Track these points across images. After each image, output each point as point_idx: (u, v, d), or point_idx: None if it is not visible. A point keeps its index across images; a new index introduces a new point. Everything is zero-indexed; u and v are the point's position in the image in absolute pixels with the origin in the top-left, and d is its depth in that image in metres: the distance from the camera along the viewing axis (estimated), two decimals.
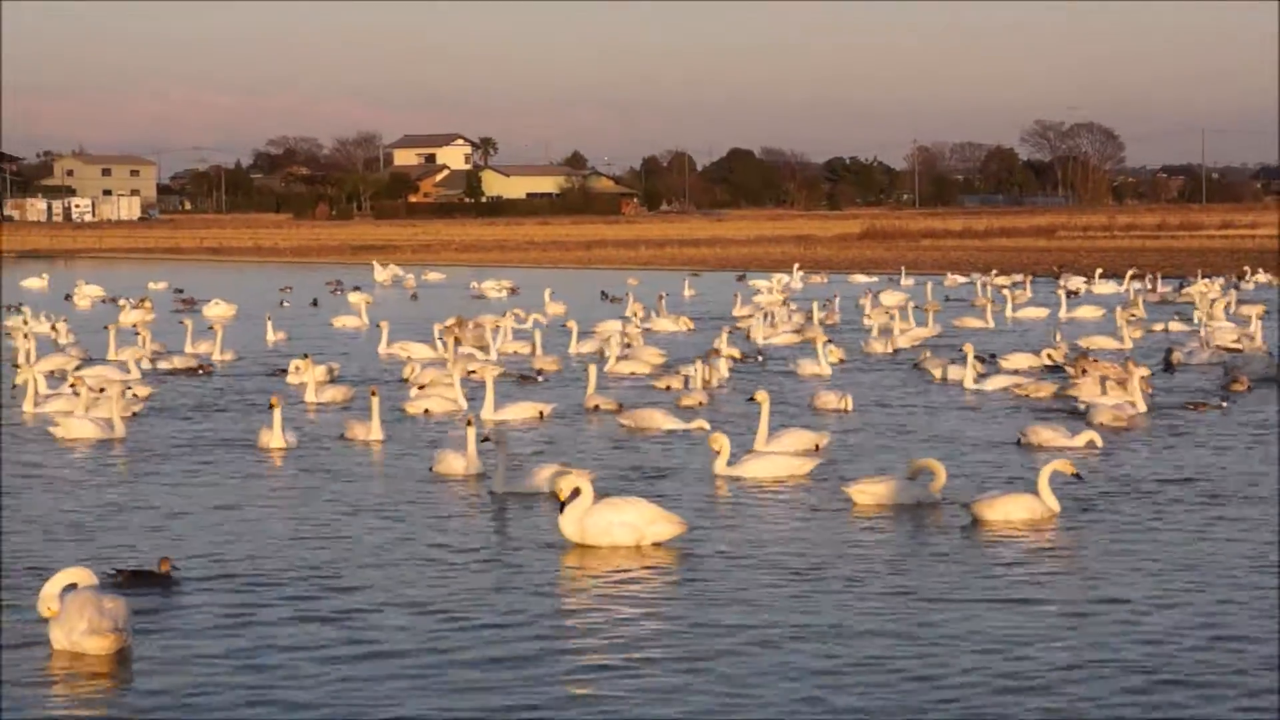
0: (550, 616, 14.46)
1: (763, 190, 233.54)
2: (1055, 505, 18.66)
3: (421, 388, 30.24)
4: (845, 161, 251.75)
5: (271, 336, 43.34)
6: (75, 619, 12.93)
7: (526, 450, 24.00)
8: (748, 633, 13.77)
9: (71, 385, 29.03)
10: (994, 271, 70.24)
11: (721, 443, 21.50)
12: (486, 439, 21.71)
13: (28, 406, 28.51)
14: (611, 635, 13.84)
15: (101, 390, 28.50)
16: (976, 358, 33.09)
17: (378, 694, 12.23)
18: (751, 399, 24.51)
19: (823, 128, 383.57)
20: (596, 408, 28.93)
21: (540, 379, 33.87)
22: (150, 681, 12.51)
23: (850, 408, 28.38)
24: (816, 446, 23.49)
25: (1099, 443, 23.67)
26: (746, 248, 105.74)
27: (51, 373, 33.51)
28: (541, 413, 27.71)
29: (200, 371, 35.49)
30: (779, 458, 21.99)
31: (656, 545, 17.11)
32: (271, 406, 24.46)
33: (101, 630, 12.88)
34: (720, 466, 21.54)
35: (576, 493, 17.17)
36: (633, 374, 34.43)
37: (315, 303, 60.87)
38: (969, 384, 31.36)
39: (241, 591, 15.33)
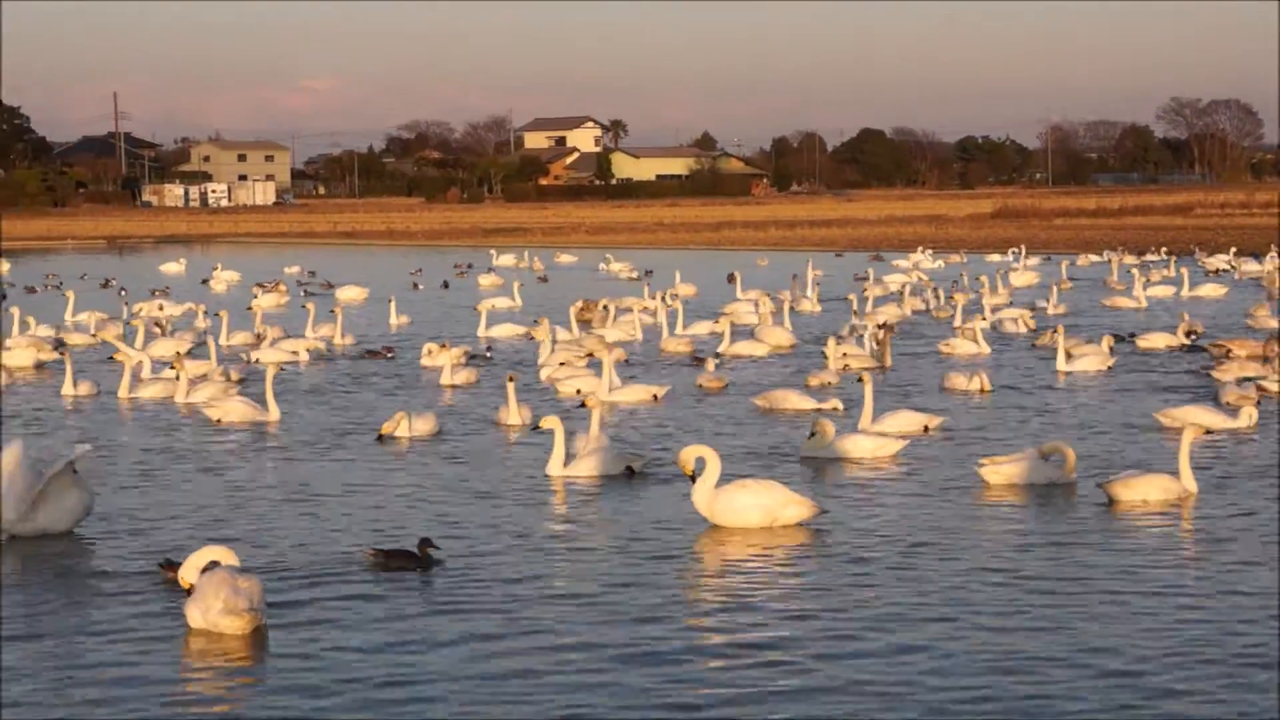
0: (688, 608, 14.30)
1: (894, 170, 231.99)
2: (1193, 486, 18.40)
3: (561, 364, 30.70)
4: (977, 140, 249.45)
5: (395, 320, 43.72)
6: (211, 598, 13.07)
7: (659, 431, 24.09)
8: (890, 623, 13.50)
9: (173, 367, 29.50)
10: (1120, 249, 69.41)
11: (825, 427, 21.39)
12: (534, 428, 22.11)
13: (122, 392, 28.79)
14: (746, 626, 13.72)
15: (203, 376, 29.06)
16: (1115, 337, 32.68)
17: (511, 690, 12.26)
18: (859, 379, 24.50)
19: (955, 107, 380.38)
20: (701, 386, 29.27)
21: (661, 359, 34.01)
22: (295, 676, 12.61)
23: (987, 388, 28.13)
24: (925, 428, 23.36)
25: (1253, 422, 23.31)
26: (877, 228, 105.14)
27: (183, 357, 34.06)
28: (656, 395, 27.70)
29: (386, 354, 35.45)
30: (867, 439, 21.79)
31: (787, 527, 17.06)
32: (509, 381, 24.57)
33: (237, 609, 13.03)
34: (808, 448, 21.45)
35: (702, 462, 17.15)
36: (751, 356, 34.39)
37: (446, 285, 61.35)
38: (1060, 365, 30.91)
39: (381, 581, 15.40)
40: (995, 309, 42.91)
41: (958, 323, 39.15)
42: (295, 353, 34.76)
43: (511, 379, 25.18)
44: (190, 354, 34.61)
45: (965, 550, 16.07)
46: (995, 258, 71.65)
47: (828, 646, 12.82)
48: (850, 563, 15.64)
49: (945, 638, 13.04)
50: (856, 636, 13.11)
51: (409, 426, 23.66)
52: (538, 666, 12.37)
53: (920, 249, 73.77)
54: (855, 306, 44.55)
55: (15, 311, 41.23)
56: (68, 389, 29.19)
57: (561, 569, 15.55)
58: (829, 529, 17.08)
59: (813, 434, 21.46)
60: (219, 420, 25.48)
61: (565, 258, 79.03)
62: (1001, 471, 19.31)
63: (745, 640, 13.04)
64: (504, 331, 40.03)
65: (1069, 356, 31.27)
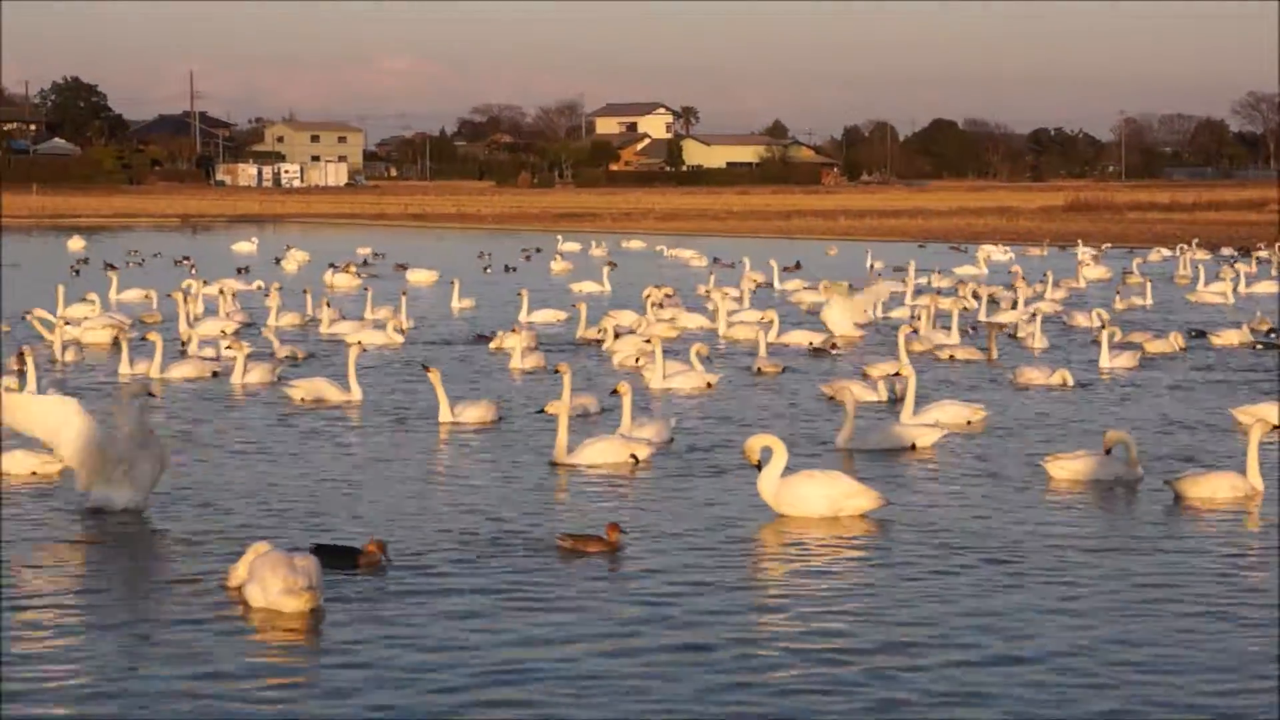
0: (751, 609, 14.22)
1: (965, 161, 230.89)
2: (1260, 484, 18.31)
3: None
4: (1050, 133, 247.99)
5: (457, 304, 43.82)
6: (270, 578, 13.21)
7: (718, 418, 24.17)
8: (955, 621, 13.35)
9: (229, 347, 29.66)
10: (1195, 242, 68.94)
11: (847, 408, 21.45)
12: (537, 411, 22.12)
13: (235, 378, 28.56)
14: (812, 619, 13.70)
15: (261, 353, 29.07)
16: (1189, 333, 32.49)
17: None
18: (897, 373, 24.48)
19: (1027, 99, 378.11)
20: (759, 370, 29.54)
21: (722, 348, 34.00)
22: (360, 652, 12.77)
23: (1070, 382, 27.96)
24: (969, 422, 23.37)
25: None
26: (948, 219, 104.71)
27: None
28: (710, 383, 27.73)
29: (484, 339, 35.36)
30: (896, 431, 21.84)
31: (852, 518, 17.10)
32: (558, 371, 24.65)
33: (297, 589, 13.18)
34: (842, 440, 21.52)
35: (768, 451, 17.22)
36: (801, 344, 34.49)
37: (510, 269, 61.47)
38: (1104, 363, 30.70)
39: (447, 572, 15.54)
40: (1025, 302, 42.21)
41: (1002, 319, 38.73)
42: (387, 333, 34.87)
43: (561, 369, 24.50)
44: (237, 334, 34.85)
45: (1033, 549, 15.94)
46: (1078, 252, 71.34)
47: (891, 650, 12.69)
48: (921, 558, 15.55)
49: (1022, 636, 12.97)
50: (923, 642, 12.93)
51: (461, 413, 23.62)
52: (611, 662, 12.39)
53: (981, 252, 73.51)
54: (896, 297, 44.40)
55: (92, 298, 41.59)
56: (124, 368, 28.89)
57: (627, 559, 15.48)
58: (894, 521, 17.08)
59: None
60: (301, 400, 25.63)
61: (634, 244, 79.10)
62: (1067, 467, 19.26)
63: (810, 639, 12.98)
64: (544, 317, 39.99)
65: (1119, 352, 31.02)
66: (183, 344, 33.06)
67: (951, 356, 31.76)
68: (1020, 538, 16.35)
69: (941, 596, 14.08)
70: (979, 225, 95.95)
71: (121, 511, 17.01)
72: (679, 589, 14.28)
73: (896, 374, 26.05)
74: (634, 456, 20.24)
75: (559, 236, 79.34)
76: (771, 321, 35.09)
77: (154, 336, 29.51)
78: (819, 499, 17.08)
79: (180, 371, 28.79)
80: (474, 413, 23.53)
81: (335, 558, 14.60)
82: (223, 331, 35.16)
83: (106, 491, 17.07)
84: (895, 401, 25.20)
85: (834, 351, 32.28)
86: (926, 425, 22.37)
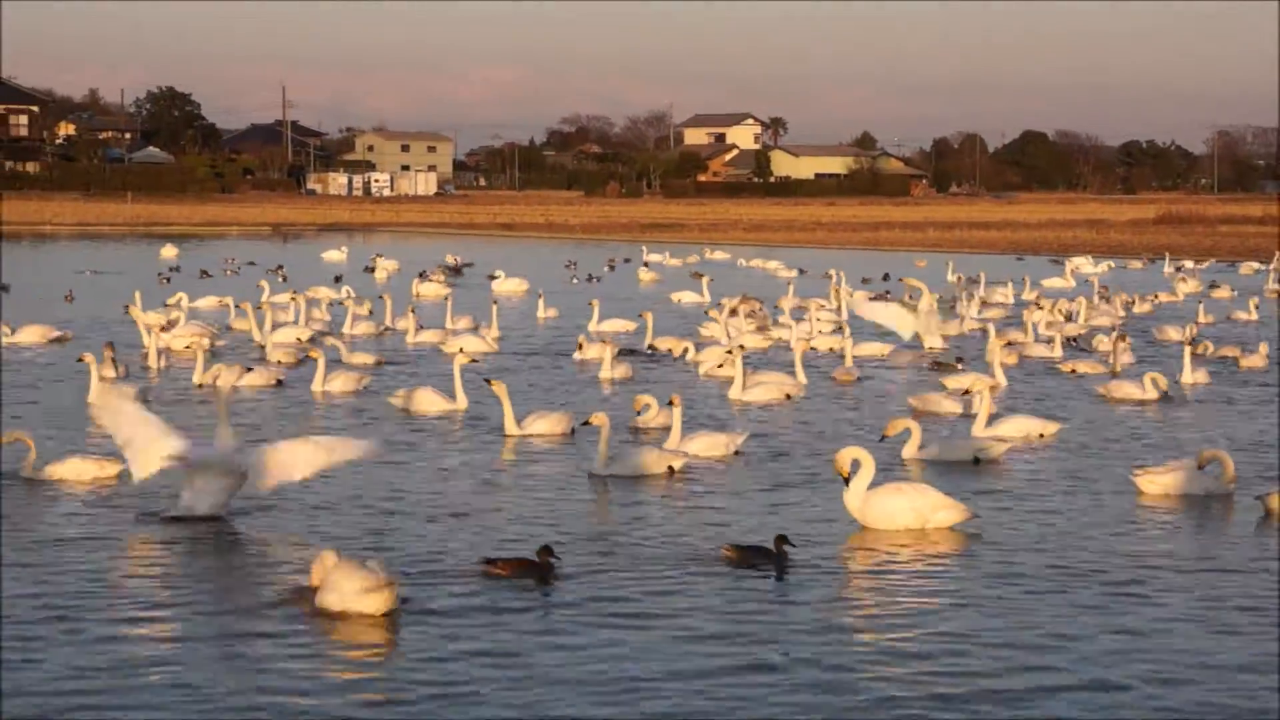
0: (837, 628, 14.23)
1: (1055, 173, 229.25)
2: None
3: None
4: (1141, 145, 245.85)
5: (543, 313, 43.92)
6: (345, 582, 13.39)
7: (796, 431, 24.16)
8: (1038, 641, 13.23)
9: (309, 355, 29.78)
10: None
11: (902, 426, 21.33)
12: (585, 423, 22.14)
13: (221, 381, 28.57)
14: (901, 630, 13.68)
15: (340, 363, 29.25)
16: None
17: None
18: (966, 391, 24.40)
19: (1118, 111, 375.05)
20: (835, 379, 29.98)
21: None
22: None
23: (1163, 385, 27.67)
24: (1040, 435, 23.20)
25: None
26: (1037, 231, 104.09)
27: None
28: (789, 394, 27.68)
29: (648, 351, 35.08)
30: (958, 444, 21.78)
31: (939, 531, 17.05)
32: (687, 358, 24.50)
33: (377, 586, 13.35)
34: (909, 452, 21.44)
35: (857, 464, 17.20)
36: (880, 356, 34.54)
37: (593, 279, 61.54)
38: (1186, 378, 30.12)
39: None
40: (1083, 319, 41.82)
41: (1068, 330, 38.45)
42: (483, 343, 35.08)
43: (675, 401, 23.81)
44: (312, 340, 35.11)
45: (1120, 565, 15.84)
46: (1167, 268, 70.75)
47: (984, 663, 12.66)
48: (1009, 575, 15.47)
49: (1109, 657, 12.90)
50: (1011, 663, 12.88)
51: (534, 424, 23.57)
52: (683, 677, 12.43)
53: (1067, 263, 72.93)
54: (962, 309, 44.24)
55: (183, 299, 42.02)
56: (197, 377, 28.88)
57: (711, 570, 15.44)
58: (981, 535, 17.01)
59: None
60: (404, 409, 25.72)
61: (718, 254, 79.04)
62: (1158, 481, 19.12)
63: (902, 649, 12.98)
64: (614, 326, 39.99)
65: (1198, 366, 30.69)
66: (261, 352, 33.37)
67: (1074, 370, 31.57)
68: (1107, 553, 16.24)
69: (1029, 615, 13.96)
70: (1068, 238, 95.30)
71: (202, 518, 17.27)
72: (762, 603, 14.25)
73: (966, 391, 25.93)
74: (670, 469, 20.26)
75: (644, 247, 79.46)
76: (843, 328, 35.39)
77: (316, 353, 29.44)
78: (905, 512, 17.04)
79: (245, 380, 28.88)
80: (543, 424, 23.37)
81: (517, 569, 14.82)
82: (298, 339, 35.50)
83: (192, 498, 17.28)
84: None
85: (959, 366, 31.99)
86: (993, 439, 22.30)
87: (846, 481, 17.15)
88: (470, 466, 21.09)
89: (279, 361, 32.39)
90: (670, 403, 22.21)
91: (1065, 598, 14.53)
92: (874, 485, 17.18)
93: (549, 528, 17.13)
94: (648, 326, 36.31)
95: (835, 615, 13.98)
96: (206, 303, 45.67)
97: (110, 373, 28.81)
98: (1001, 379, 28.89)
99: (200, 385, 28.43)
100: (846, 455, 17.29)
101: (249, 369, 29.36)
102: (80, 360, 26.48)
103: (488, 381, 24.46)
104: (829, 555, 16.12)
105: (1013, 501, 19.05)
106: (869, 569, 15.70)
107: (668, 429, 22.22)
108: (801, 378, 28.97)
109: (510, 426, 23.34)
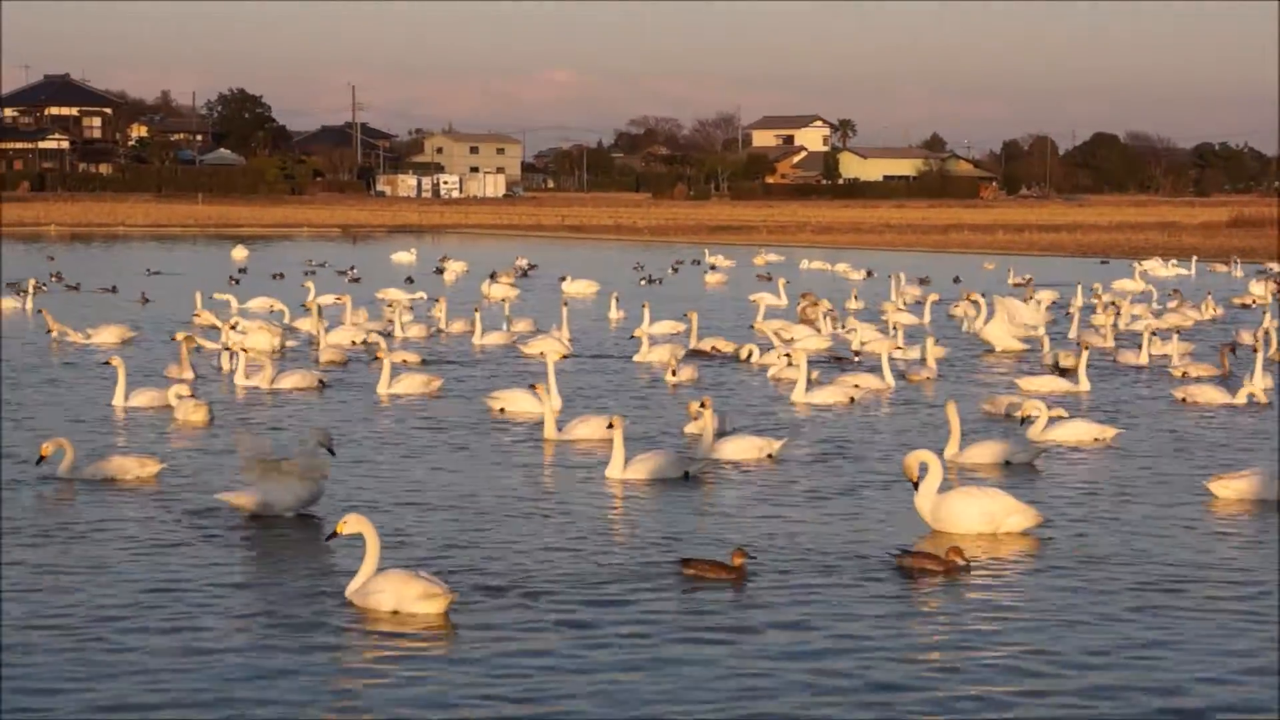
0: (903, 645, 14.09)
1: (1126, 176, 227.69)
2: None
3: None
4: (1214, 147, 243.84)
5: (614, 314, 43.91)
6: (404, 587, 13.58)
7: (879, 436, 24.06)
8: (1108, 657, 12.97)
9: (377, 358, 29.79)
10: None
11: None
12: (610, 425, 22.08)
13: (263, 381, 28.68)
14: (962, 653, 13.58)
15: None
16: None
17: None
18: (1025, 417, 24.36)
19: (1191, 113, 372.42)
20: (908, 379, 30.23)
21: (857, 360, 33.82)
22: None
23: (1262, 399, 27.36)
24: (1095, 439, 23.06)
25: None
26: (1107, 234, 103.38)
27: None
28: (853, 397, 27.61)
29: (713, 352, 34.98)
30: (993, 447, 21.64)
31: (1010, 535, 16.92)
32: (789, 359, 24.43)
33: (435, 593, 13.54)
34: (948, 452, 21.36)
35: (925, 467, 17.10)
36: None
37: (653, 280, 61.53)
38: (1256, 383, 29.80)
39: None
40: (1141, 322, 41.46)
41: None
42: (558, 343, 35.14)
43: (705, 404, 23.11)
44: (365, 342, 35.24)
45: (1189, 572, 15.66)
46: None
47: (1048, 691, 12.44)
48: (1079, 582, 15.32)
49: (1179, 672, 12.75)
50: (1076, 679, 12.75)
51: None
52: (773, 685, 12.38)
53: (1159, 259, 72.33)
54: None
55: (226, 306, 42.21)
56: (240, 379, 28.98)
57: (784, 575, 15.34)
58: (1053, 539, 16.86)
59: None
60: (501, 410, 25.64)
61: (770, 256, 78.77)
62: (1232, 487, 18.91)
63: (966, 674, 12.79)
64: (662, 329, 39.88)
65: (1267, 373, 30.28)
66: (316, 353, 33.48)
67: (1185, 373, 31.37)
68: (1178, 560, 16.07)
69: (1101, 624, 13.81)
70: (1139, 240, 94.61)
71: (273, 516, 17.44)
72: (828, 611, 14.15)
73: (1024, 418, 25.70)
74: (686, 474, 20.14)
75: (705, 250, 79.42)
76: (898, 329, 35.34)
77: (383, 354, 29.57)
78: (976, 516, 16.93)
79: (289, 382, 28.80)
80: (585, 429, 23.19)
81: (712, 570, 14.84)
82: (352, 341, 35.66)
83: (269, 499, 17.42)
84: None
85: (1067, 370, 31.80)
86: (1039, 444, 22.23)
87: (915, 485, 17.06)
88: (530, 469, 21.15)
89: (331, 361, 32.67)
90: (702, 404, 22.08)
91: (1143, 609, 14.33)
92: (945, 488, 17.10)
93: (656, 536, 17.10)
94: (692, 327, 36.25)
95: (903, 622, 13.90)
96: (257, 304, 45.84)
97: (189, 373, 29.02)
98: (1085, 383, 28.85)
99: (240, 388, 28.58)
100: (915, 459, 17.18)
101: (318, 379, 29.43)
102: (108, 364, 26.69)
103: (533, 387, 24.20)
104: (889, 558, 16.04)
105: (1081, 505, 18.86)
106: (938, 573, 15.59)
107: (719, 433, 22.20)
108: (889, 379, 29.07)
109: (550, 431, 23.10)
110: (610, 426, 20.88)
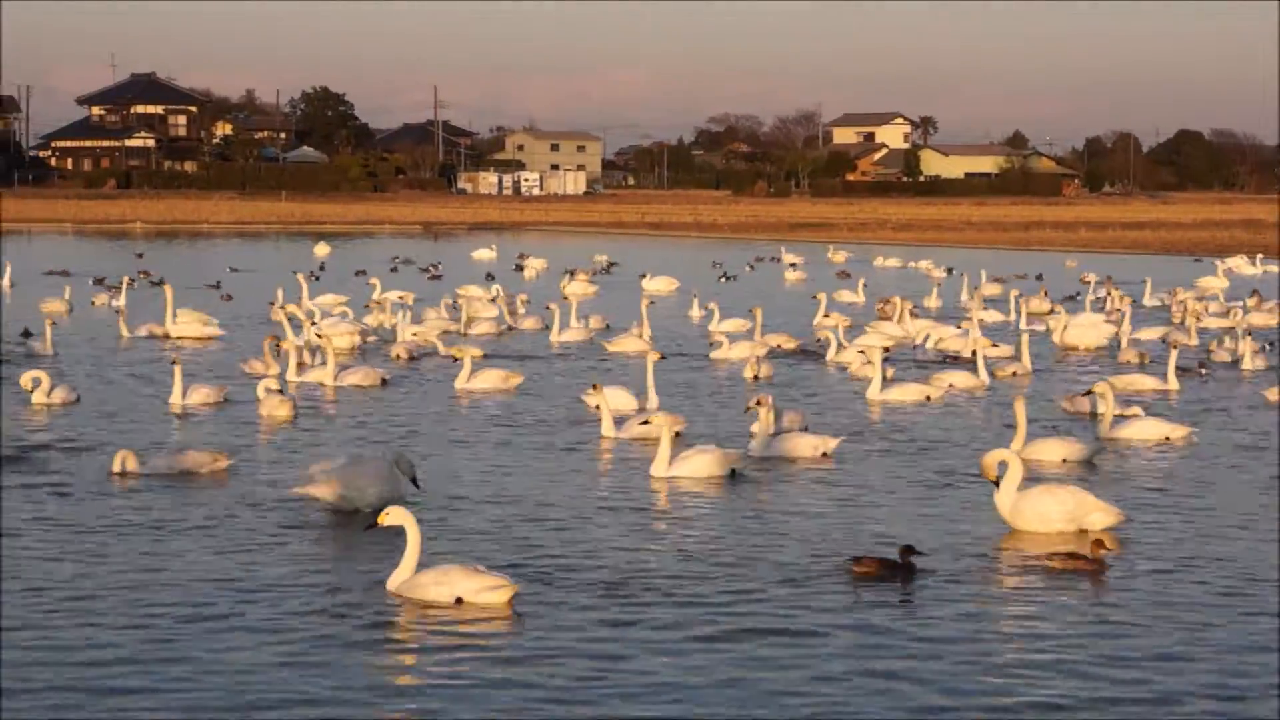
0: (974, 639, 14.14)
1: (1210, 173, 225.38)
2: None
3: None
4: None
5: (696, 312, 43.97)
6: (466, 580, 13.79)
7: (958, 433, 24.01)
8: (1179, 664, 12.83)
9: (455, 358, 29.98)
10: None
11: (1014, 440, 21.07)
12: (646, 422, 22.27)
13: (326, 377, 28.82)
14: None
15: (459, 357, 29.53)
16: None
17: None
18: (1089, 391, 24.25)
19: (1276, 110, 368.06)
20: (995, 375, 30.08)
21: (947, 359, 33.77)
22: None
23: None
24: (1167, 438, 23.01)
25: None
26: (1191, 231, 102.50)
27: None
28: (929, 395, 27.54)
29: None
30: (1058, 444, 21.61)
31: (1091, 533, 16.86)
32: (871, 360, 24.39)
33: (500, 585, 13.77)
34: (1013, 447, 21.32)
35: (1004, 466, 17.07)
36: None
37: (728, 278, 61.51)
38: None
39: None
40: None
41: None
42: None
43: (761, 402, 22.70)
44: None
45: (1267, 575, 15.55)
46: None
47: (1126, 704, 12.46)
48: (1160, 584, 15.25)
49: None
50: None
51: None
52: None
53: (1221, 263, 71.64)
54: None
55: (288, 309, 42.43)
56: (328, 379, 29.03)
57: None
58: (1134, 539, 16.79)
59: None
60: (596, 407, 25.73)
61: (840, 255, 78.53)
62: None
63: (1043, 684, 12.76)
64: (732, 326, 39.87)
65: None
66: (397, 353, 33.69)
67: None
68: (1261, 561, 15.97)
69: (1189, 629, 13.69)
70: (1223, 238, 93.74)
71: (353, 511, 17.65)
72: (910, 612, 14.19)
73: (1087, 391, 25.55)
74: (733, 470, 20.12)
75: (782, 247, 79.31)
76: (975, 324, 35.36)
77: (470, 351, 29.63)
78: (1057, 515, 16.88)
79: (352, 379, 28.88)
80: (644, 429, 23.05)
81: (881, 568, 14.93)
82: (434, 338, 35.87)
83: (349, 494, 17.64)
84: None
85: (1204, 372, 31.60)
86: (1109, 441, 22.27)
87: (995, 484, 17.03)
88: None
89: (398, 357, 33.05)
90: (758, 402, 22.08)
91: (1227, 609, 14.27)
92: (1025, 487, 17.06)
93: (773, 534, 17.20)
94: (756, 323, 36.30)
95: (982, 624, 13.90)
96: (326, 301, 46.09)
97: (275, 368, 29.27)
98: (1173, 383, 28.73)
99: (329, 386, 28.71)
100: (994, 458, 17.15)
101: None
102: (173, 364, 26.89)
103: (594, 386, 24.27)
104: (980, 554, 16.04)
105: (1169, 503, 18.79)
106: (1016, 574, 15.57)
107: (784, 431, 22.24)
108: (983, 376, 29.15)
109: (608, 429, 23.13)
110: (645, 423, 21.04)
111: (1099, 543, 15.41)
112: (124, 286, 47.11)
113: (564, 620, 13.51)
